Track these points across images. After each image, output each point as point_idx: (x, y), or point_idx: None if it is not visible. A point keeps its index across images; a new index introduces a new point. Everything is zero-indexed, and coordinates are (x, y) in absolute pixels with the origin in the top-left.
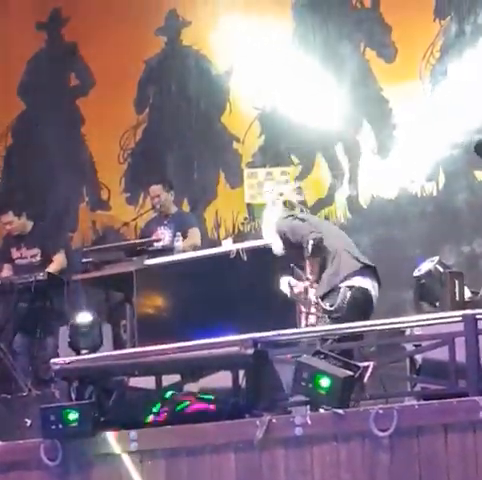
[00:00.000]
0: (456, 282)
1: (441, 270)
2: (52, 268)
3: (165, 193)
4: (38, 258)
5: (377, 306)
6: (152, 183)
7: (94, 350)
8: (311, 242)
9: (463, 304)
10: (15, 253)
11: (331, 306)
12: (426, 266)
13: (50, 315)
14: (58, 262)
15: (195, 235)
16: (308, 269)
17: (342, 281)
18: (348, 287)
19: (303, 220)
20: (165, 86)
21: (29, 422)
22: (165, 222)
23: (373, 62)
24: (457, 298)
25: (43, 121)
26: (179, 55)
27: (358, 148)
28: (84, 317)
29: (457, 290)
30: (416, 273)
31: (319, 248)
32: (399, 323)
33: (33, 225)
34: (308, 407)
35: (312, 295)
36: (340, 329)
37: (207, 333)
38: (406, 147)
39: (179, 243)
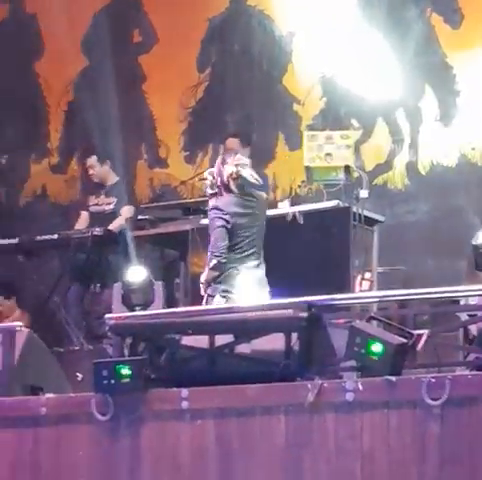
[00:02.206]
0: None
1: None
2: (117, 223)
3: (241, 148)
4: (111, 207)
5: (433, 274)
6: (230, 136)
7: (146, 307)
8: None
9: None
10: (92, 200)
11: None
12: None
13: (105, 270)
14: (124, 215)
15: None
16: None
17: None
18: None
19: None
20: (228, 46)
21: (80, 376)
22: None
23: (438, 28)
24: None
25: (105, 77)
26: (243, 15)
27: (420, 114)
28: (136, 274)
29: None
30: (475, 241)
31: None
32: (454, 292)
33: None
34: (359, 373)
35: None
36: (394, 295)
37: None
38: (468, 114)
39: None
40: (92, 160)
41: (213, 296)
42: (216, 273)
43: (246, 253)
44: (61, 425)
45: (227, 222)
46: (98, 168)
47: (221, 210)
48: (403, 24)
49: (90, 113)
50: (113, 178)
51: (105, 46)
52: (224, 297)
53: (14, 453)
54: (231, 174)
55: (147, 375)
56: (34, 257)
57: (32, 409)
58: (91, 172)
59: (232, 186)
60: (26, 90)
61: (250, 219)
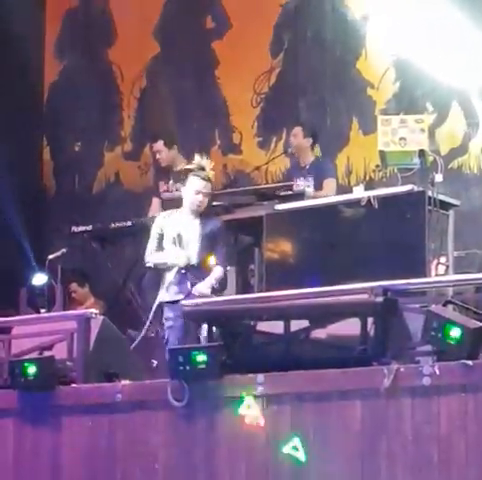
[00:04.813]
0: None
1: None
2: None
3: (302, 138)
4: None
5: None
6: (296, 125)
7: (219, 293)
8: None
9: None
10: (162, 186)
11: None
12: None
13: None
14: None
15: (330, 187)
16: None
17: None
18: None
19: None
20: (301, 31)
21: (155, 363)
22: (303, 172)
23: None
24: None
25: (177, 63)
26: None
27: None
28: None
29: None
30: None
31: None
32: None
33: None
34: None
35: None
36: (471, 280)
37: (334, 280)
38: None
39: (310, 189)
40: (158, 145)
41: None
42: None
43: None
44: (136, 411)
45: None
46: (165, 152)
47: None
48: (480, 5)
49: (163, 99)
50: (181, 163)
51: (178, 32)
52: None
53: (90, 439)
54: None
55: (222, 361)
56: (108, 244)
57: (108, 396)
58: (158, 156)
59: None
60: (99, 77)
61: None
